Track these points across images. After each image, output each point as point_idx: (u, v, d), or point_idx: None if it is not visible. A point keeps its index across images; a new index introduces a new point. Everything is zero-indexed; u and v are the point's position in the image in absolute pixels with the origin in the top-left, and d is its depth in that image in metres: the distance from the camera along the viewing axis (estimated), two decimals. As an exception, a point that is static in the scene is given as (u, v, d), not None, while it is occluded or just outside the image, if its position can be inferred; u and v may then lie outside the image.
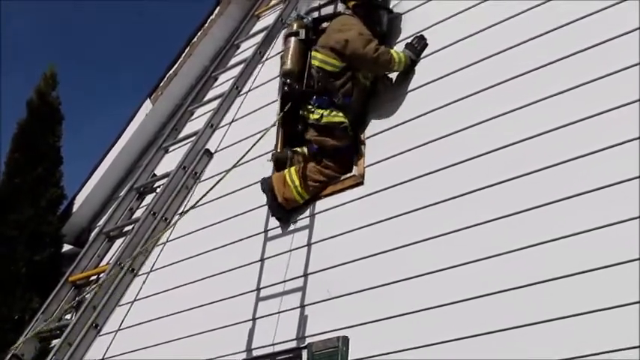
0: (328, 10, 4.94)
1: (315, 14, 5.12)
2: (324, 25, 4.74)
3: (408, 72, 4.39)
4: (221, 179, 4.16)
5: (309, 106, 4.51)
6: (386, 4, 4.71)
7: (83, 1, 17.66)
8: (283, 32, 4.88)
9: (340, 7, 4.84)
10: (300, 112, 4.58)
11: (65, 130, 6.83)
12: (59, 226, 6.45)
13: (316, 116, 4.46)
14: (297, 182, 4.50)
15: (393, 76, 4.50)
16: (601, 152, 3.31)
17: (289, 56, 4.56)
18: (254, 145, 4.30)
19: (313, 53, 4.53)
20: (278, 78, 5.10)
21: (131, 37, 19.91)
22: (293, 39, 4.60)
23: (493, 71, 3.95)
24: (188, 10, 18.23)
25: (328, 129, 4.44)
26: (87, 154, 16.78)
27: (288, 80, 4.59)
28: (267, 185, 4.63)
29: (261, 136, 4.39)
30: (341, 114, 4.42)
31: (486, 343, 3.33)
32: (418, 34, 4.42)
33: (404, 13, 4.67)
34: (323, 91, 4.47)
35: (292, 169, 4.57)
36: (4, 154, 6.71)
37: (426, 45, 4.38)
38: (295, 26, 4.68)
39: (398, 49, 4.45)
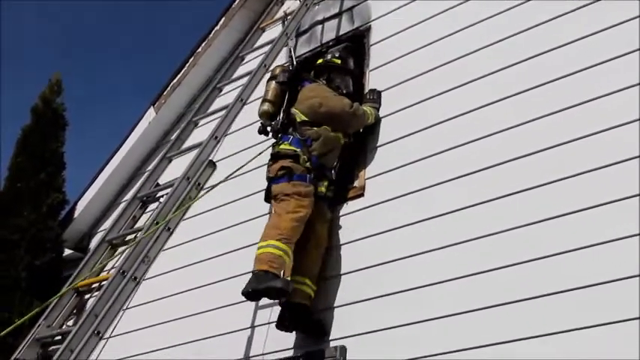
0: (332, 24, 5.00)
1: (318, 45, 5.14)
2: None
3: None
4: (207, 191, 4.32)
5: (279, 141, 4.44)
6: (348, 66, 4.75)
7: (87, 6, 17.78)
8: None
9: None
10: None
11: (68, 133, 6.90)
12: (60, 231, 6.47)
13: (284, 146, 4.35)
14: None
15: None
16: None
17: (267, 98, 4.62)
18: (237, 169, 4.42)
19: (292, 109, 4.48)
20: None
21: (135, 41, 20.00)
22: (273, 82, 4.67)
23: (492, 88, 4.02)
24: (193, 18, 18.38)
25: (283, 156, 4.30)
26: (87, 156, 16.78)
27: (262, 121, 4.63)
28: None
29: (244, 164, 4.50)
30: (299, 149, 4.28)
31: (486, 355, 3.36)
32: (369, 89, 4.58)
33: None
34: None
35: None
36: (8, 159, 6.77)
37: (379, 94, 4.54)
38: (278, 70, 4.74)
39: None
